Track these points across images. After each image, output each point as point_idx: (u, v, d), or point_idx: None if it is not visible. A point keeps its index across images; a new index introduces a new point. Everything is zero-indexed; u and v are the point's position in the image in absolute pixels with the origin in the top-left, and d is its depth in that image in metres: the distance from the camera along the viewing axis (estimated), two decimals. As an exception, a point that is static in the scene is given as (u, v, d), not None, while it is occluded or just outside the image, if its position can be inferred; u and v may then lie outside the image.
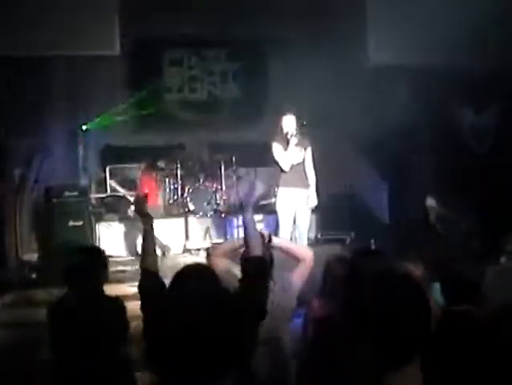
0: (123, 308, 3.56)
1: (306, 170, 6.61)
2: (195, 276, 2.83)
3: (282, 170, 6.49)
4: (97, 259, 3.64)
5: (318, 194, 6.70)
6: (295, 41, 9.30)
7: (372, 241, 7.80)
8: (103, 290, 3.62)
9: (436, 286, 3.55)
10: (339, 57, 8.60)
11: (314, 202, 6.60)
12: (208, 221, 8.60)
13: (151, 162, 8.80)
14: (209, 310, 1.75)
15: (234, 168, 9.09)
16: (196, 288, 2.71)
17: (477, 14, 7.00)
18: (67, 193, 7.66)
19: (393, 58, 7.53)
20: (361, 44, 7.65)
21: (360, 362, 1.82)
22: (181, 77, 10.09)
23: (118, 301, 3.60)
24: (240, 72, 10.18)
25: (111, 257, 7.47)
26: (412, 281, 1.81)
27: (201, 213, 8.64)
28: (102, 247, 6.53)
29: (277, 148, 6.49)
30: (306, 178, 6.60)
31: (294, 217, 6.54)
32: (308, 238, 7.01)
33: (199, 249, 8.23)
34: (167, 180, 9.13)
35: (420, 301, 1.75)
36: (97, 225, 8.03)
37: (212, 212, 8.69)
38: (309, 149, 6.63)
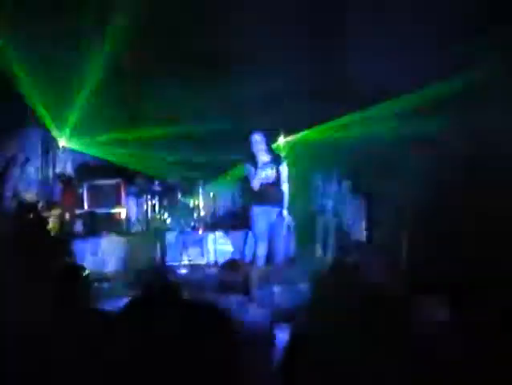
0: None
1: (281, 187, 6.60)
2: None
3: (254, 188, 6.48)
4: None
5: (289, 211, 6.74)
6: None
7: (348, 258, 7.61)
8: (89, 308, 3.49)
9: None
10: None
11: (282, 220, 6.57)
12: (185, 238, 8.54)
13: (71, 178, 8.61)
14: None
15: (211, 185, 9.15)
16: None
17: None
18: (43, 208, 7.65)
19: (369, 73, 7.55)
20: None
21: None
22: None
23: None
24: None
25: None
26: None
27: (177, 230, 8.62)
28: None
29: (248, 168, 6.53)
30: (279, 195, 6.60)
31: (269, 235, 6.54)
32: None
33: (177, 266, 8.18)
34: (145, 196, 9.06)
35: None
36: (74, 241, 7.86)
37: (189, 229, 8.69)
38: (283, 166, 6.62)
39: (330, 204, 8.76)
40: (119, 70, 8.22)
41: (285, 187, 6.62)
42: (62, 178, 8.16)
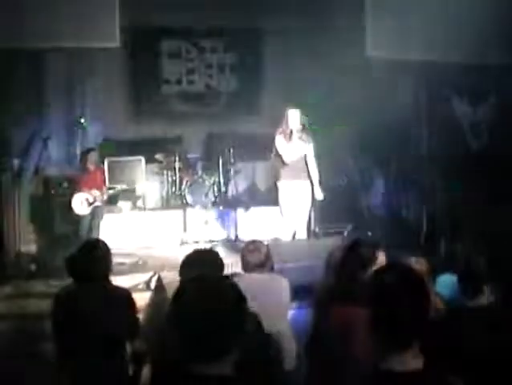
0: (131, 300, 3.56)
1: (308, 164, 6.69)
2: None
3: (283, 163, 6.58)
4: (98, 251, 3.62)
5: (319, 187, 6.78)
6: (294, 32, 9.24)
7: (369, 234, 7.83)
8: (108, 282, 3.61)
9: (443, 279, 3.89)
10: (338, 50, 8.55)
11: (320, 196, 6.71)
12: (206, 214, 8.56)
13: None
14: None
15: (232, 161, 9.03)
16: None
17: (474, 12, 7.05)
18: (65, 184, 7.68)
19: (392, 53, 7.51)
20: (360, 38, 7.56)
21: (365, 345, 2.04)
22: (179, 69, 9.94)
23: (125, 293, 3.60)
24: (238, 64, 10.06)
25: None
26: (413, 274, 2.01)
27: (198, 206, 8.60)
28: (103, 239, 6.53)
29: (280, 141, 6.57)
30: (307, 171, 6.68)
31: (296, 210, 6.62)
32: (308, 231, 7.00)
33: (197, 242, 8.18)
34: (165, 172, 9.12)
35: (419, 291, 1.94)
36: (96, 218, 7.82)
37: (210, 205, 8.65)
38: (311, 144, 6.68)
39: (355, 179, 8.86)
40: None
41: (312, 162, 6.72)
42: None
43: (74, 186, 7.72)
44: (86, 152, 8.05)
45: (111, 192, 8.12)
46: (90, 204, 7.61)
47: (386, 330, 1.90)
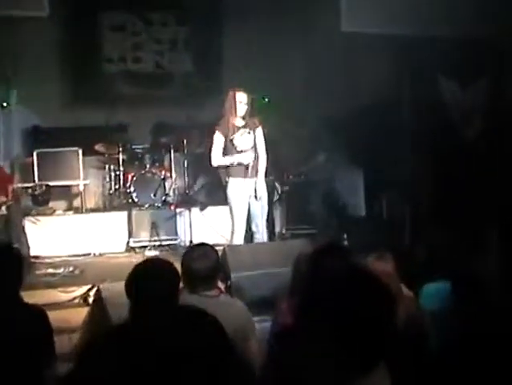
0: (44, 318, 3.40)
1: (258, 154, 6.29)
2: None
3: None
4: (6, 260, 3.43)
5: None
6: (258, 2, 8.96)
7: (345, 236, 7.78)
8: (17, 297, 3.41)
9: (428, 288, 3.77)
10: (309, 25, 8.44)
11: (261, 193, 6.29)
12: (155, 215, 8.28)
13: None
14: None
15: (186, 152, 8.77)
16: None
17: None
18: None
19: (369, 28, 7.34)
20: (333, 10, 7.34)
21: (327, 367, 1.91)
22: (123, 45, 9.61)
23: (36, 311, 3.45)
24: (192, 39, 9.80)
25: (37, 257, 7.30)
26: (372, 280, 1.94)
27: (146, 205, 8.33)
28: (14, 245, 6.12)
29: (219, 137, 6.22)
30: (258, 164, 6.31)
31: (249, 209, 6.29)
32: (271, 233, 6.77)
33: (145, 247, 8.02)
34: (107, 166, 8.84)
35: (380, 299, 1.87)
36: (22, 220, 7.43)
37: (160, 204, 8.38)
38: (259, 129, 6.29)
39: (327, 175, 8.75)
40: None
41: (262, 154, 6.32)
42: None
43: None
44: None
45: (44, 189, 8.00)
46: None
47: (343, 351, 1.82)
